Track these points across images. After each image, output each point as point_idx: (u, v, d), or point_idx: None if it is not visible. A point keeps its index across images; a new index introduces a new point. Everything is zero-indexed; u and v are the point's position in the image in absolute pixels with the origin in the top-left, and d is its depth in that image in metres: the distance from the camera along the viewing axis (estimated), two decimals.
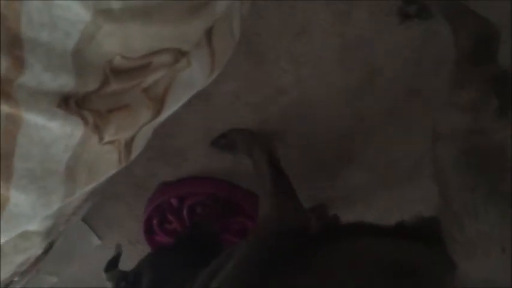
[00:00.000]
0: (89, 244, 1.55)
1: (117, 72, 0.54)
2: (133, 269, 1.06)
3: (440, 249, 0.67)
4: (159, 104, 0.62)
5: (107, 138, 0.56)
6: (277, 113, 1.17)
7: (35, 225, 0.61)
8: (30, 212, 0.54)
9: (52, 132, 0.52)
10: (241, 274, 0.79)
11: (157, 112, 0.62)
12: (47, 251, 0.74)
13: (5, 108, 0.48)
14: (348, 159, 1.30)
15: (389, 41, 1.01)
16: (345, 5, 0.95)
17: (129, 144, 0.61)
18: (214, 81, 1.10)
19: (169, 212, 1.39)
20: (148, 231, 1.43)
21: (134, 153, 0.64)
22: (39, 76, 0.48)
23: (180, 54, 0.59)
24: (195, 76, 0.65)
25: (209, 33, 0.64)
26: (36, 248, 0.65)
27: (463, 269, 0.64)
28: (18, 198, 0.52)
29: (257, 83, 1.10)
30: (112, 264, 1.12)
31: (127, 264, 1.63)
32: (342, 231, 0.94)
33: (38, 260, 0.73)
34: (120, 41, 0.52)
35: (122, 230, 1.52)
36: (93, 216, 1.48)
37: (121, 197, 1.41)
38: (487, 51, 0.77)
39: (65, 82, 0.50)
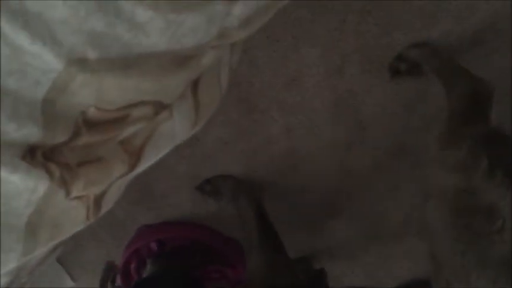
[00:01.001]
0: (62, 285, 1.48)
1: (91, 124, 0.51)
2: None
3: None
4: (135, 157, 0.58)
5: (74, 193, 0.52)
6: (265, 162, 1.14)
7: None
8: None
9: (14, 186, 0.48)
10: None
11: (133, 166, 0.58)
12: None
13: None
14: (334, 212, 1.27)
15: (380, 96, 1.00)
16: (338, 59, 0.94)
17: (98, 200, 0.57)
18: (203, 126, 1.09)
19: (148, 256, 1.33)
20: (125, 276, 1.36)
21: (104, 209, 0.59)
22: (2, 125, 0.45)
23: (161, 107, 0.56)
24: (177, 128, 0.62)
25: (195, 84, 0.61)
26: None
27: None
28: None
29: (246, 131, 1.08)
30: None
31: None
32: None
33: None
34: (95, 93, 0.48)
35: (97, 272, 1.46)
36: (68, 257, 1.42)
37: (98, 239, 1.36)
38: (479, 111, 0.77)
39: (31, 132, 0.47)
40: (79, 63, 0.45)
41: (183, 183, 1.19)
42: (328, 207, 1.25)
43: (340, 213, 1.27)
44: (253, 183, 1.18)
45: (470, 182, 0.64)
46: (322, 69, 0.97)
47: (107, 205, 0.60)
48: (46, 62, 0.44)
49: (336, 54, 0.95)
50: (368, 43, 0.94)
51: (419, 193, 1.20)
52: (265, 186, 1.19)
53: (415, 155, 1.12)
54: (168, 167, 1.15)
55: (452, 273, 0.62)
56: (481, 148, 0.68)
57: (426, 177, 0.74)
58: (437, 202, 0.68)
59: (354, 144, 1.10)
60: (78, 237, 1.32)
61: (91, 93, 0.48)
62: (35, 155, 0.48)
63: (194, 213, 1.27)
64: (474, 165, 0.65)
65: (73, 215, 0.55)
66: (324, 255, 1.37)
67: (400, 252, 1.35)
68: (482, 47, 0.95)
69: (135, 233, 1.33)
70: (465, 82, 0.81)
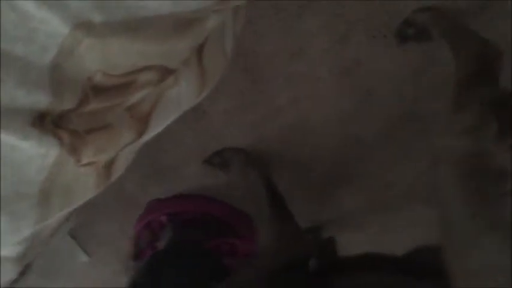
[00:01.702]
0: (77, 261, 1.51)
1: (98, 90, 0.51)
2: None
3: (445, 283, 0.64)
4: (143, 123, 0.59)
5: (84, 160, 0.53)
6: (272, 133, 1.14)
7: (4, 251, 0.57)
8: None
9: (25, 153, 0.49)
10: None
11: (141, 132, 0.59)
12: (23, 273, 0.71)
13: None
14: (342, 181, 1.27)
15: (387, 63, 0.99)
16: (343, 27, 0.93)
17: (108, 167, 0.58)
18: (209, 98, 1.08)
19: (159, 230, 1.35)
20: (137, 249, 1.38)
21: (114, 176, 0.60)
22: (11, 92, 0.45)
23: (166, 72, 0.56)
24: (183, 95, 0.62)
25: (200, 51, 0.61)
26: (8, 274, 0.61)
27: None
28: None
29: (253, 102, 1.08)
30: None
31: (115, 282, 1.60)
32: (347, 264, 0.92)
33: (14, 282, 0.69)
34: (101, 57, 0.49)
35: (111, 247, 1.49)
36: (82, 232, 1.45)
37: (111, 214, 1.38)
38: (488, 73, 0.76)
39: (40, 99, 0.47)
40: (85, 27, 0.46)
41: (191, 156, 1.20)
42: (335, 177, 1.25)
43: (347, 183, 1.27)
44: (261, 155, 1.18)
45: (480, 145, 0.64)
46: (327, 37, 0.96)
47: (117, 172, 0.61)
48: (53, 26, 0.44)
49: (342, 22, 0.94)
50: (374, 9, 0.92)
51: (426, 160, 1.20)
52: (273, 157, 1.19)
53: (422, 122, 1.11)
54: (177, 140, 1.16)
55: (463, 237, 0.62)
56: (490, 111, 0.67)
57: (435, 143, 0.74)
58: (447, 166, 0.68)
59: (360, 112, 1.09)
60: (90, 212, 1.35)
61: (97, 58, 0.48)
62: (44, 122, 0.49)
63: (204, 185, 1.28)
64: (484, 128, 0.65)
65: (84, 182, 0.56)
66: (331, 224, 1.38)
67: (405, 220, 1.36)
68: (489, 11, 0.93)
69: (146, 207, 1.35)
70: (473, 44, 0.80)
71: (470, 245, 0.60)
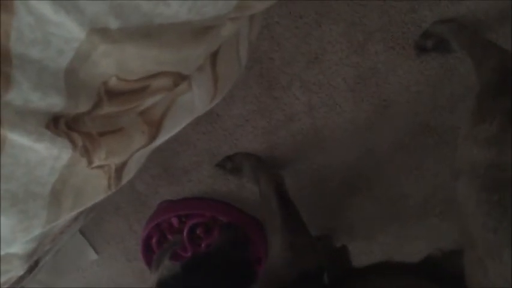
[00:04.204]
0: (86, 258, 1.52)
1: (112, 94, 0.52)
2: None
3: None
4: (155, 128, 0.59)
5: (96, 162, 0.53)
6: (285, 139, 1.14)
7: (15, 248, 0.58)
8: (9, 236, 0.51)
9: (38, 154, 0.49)
10: None
11: (153, 137, 0.59)
12: (31, 270, 0.71)
13: None
14: (355, 190, 1.26)
15: (404, 74, 0.99)
16: (361, 37, 0.93)
17: (120, 170, 0.58)
18: (223, 103, 1.09)
19: (169, 231, 1.35)
20: (146, 250, 1.39)
21: (125, 179, 0.60)
22: (27, 95, 0.46)
23: (180, 78, 0.56)
24: (196, 101, 0.62)
25: (214, 57, 0.61)
26: (17, 270, 0.62)
27: None
28: None
29: (267, 108, 1.08)
30: None
31: (122, 280, 1.61)
32: (363, 271, 0.91)
33: (22, 278, 0.70)
34: (116, 62, 0.49)
35: (120, 246, 1.50)
36: (91, 230, 1.46)
37: (121, 213, 1.39)
38: (510, 84, 0.74)
39: (55, 102, 0.48)
40: (101, 32, 0.46)
41: (203, 159, 1.20)
42: (348, 186, 1.24)
43: (361, 193, 1.26)
44: (274, 161, 1.18)
45: (502, 157, 0.63)
46: (345, 46, 0.96)
47: (128, 176, 0.61)
48: (69, 31, 0.45)
49: (360, 31, 0.94)
50: (393, 19, 0.92)
51: (442, 173, 1.19)
52: (285, 164, 1.19)
53: (439, 135, 1.10)
54: (189, 143, 1.16)
55: (485, 251, 0.61)
56: None
57: (454, 156, 0.73)
58: (468, 179, 0.67)
59: (376, 123, 1.08)
60: (101, 211, 1.36)
61: (112, 63, 0.49)
62: (58, 124, 0.49)
63: (214, 189, 1.28)
64: (506, 140, 0.64)
65: (95, 184, 0.56)
66: (343, 234, 1.37)
67: (420, 233, 1.34)
68: (509, 22, 0.92)
69: (156, 208, 1.36)
70: (495, 56, 0.79)
71: (492, 257, 0.59)
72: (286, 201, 1.05)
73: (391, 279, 0.81)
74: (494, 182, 0.62)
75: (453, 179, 0.70)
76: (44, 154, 0.49)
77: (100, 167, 0.55)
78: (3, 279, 0.62)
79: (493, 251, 0.59)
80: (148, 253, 1.39)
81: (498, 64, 0.77)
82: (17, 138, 0.47)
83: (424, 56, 0.96)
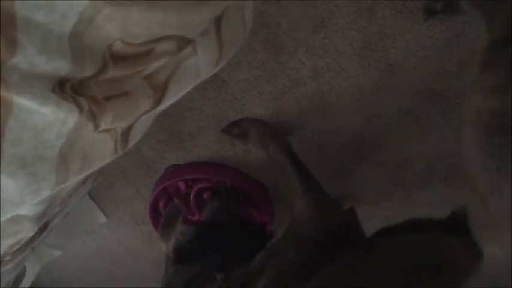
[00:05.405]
0: (95, 221, 1.56)
1: (117, 58, 0.52)
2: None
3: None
4: (160, 92, 0.59)
5: (102, 126, 0.54)
6: (291, 104, 1.14)
7: (25, 210, 0.59)
8: (18, 199, 0.52)
9: (45, 118, 0.50)
10: (291, 277, 0.78)
11: (158, 101, 0.60)
12: (41, 231, 0.74)
13: None
14: (360, 156, 1.26)
15: (411, 39, 0.97)
16: (369, 1, 0.91)
17: (126, 134, 0.59)
18: (229, 68, 1.09)
19: (176, 195, 1.38)
20: (154, 213, 1.42)
21: (131, 143, 0.61)
22: (32, 58, 0.46)
23: (184, 42, 0.56)
24: (200, 65, 0.62)
25: (218, 21, 0.61)
26: (27, 231, 0.64)
27: (491, 252, 0.63)
28: (6, 184, 0.50)
29: (273, 73, 1.07)
30: None
31: (131, 243, 1.65)
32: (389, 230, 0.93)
33: (32, 240, 0.72)
34: (120, 26, 0.49)
35: (128, 209, 1.53)
36: (100, 194, 1.49)
37: (129, 177, 1.41)
38: None
39: (60, 66, 0.48)
40: None
41: (210, 124, 1.21)
42: (354, 151, 1.25)
43: (366, 158, 1.27)
44: (280, 127, 1.18)
45: (508, 104, 0.64)
46: (352, 10, 0.94)
47: (134, 139, 0.62)
48: None
49: None
50: None
51: (449, 139, 1.19)
52: (291, 129, 1.19)
53: (445, 100, 1.09)
54: (195, 109, 1.17)
55: (486, 188, 0.62)
56: None
57: (464, 105, 0.73)
58: (474, 125, 0.68)
59: (382, 88, 1.07)
60: (109, 176, 1.38)
61: (117, 27, 0.49)
62: (64, 88, 0.50)
63: (221, 154, 1.29)
64: (510, 88, 0.65)
65: (101, 148, 0.57)
66: (348, 198, 1.38)
67: (423, 198, 1.35)
68: None
69: (163, 172, 1.37)
70: (506, 8, 0.78)
71: (493, 193, 0.61)
72: (300, 164, 1.06)
73: (425, 235, 0.83)
74: (499, 128, 0.63)
75: (460, 127, 0.71)
76: (50, 118, 0.50)
77: (106, 130, 0.56)
78: (12, 241, 0.64)
79: (493, 187, 0.61)
80: (156, 216, 1.42)
81: (508, 16, 0.76)
82: (23, 102, 0.48)
83: (432, 20, 0.95)
